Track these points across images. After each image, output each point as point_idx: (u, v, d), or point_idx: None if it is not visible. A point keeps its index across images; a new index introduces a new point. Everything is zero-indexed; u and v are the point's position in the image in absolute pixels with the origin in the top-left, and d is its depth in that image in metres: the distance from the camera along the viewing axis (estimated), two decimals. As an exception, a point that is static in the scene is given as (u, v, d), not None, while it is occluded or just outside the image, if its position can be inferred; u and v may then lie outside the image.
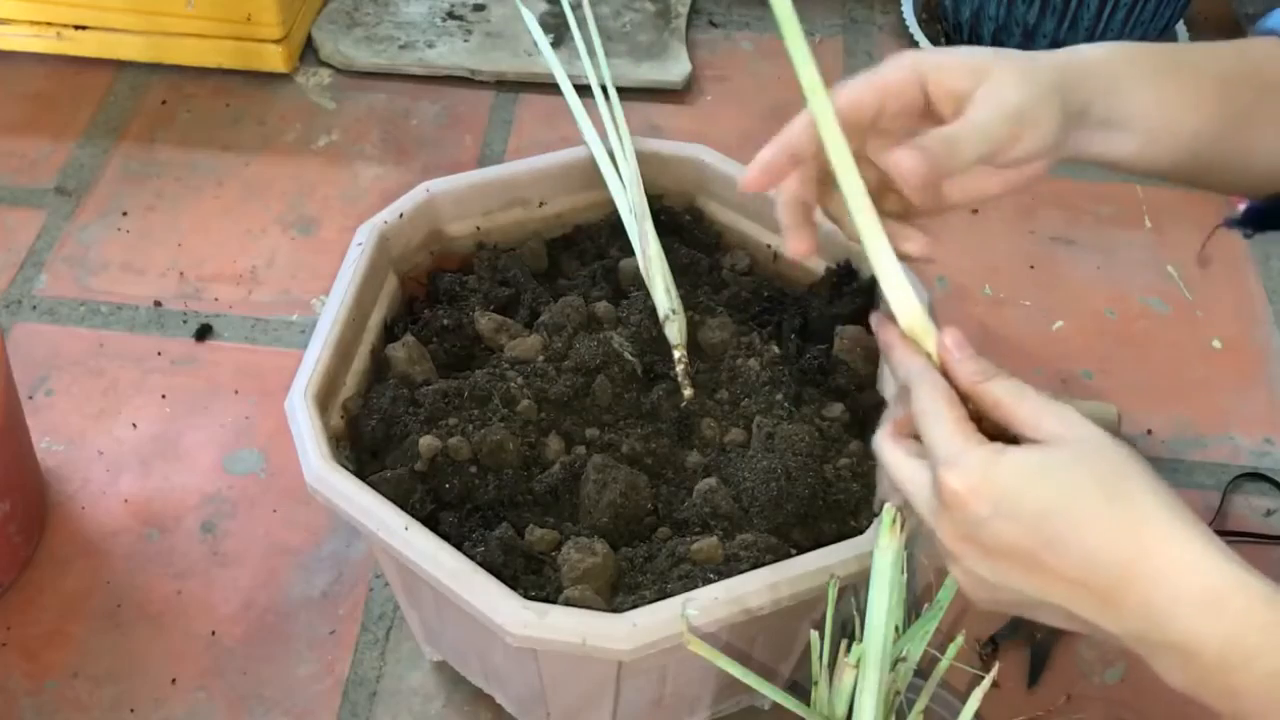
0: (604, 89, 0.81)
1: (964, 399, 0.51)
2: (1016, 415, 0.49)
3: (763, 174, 0.55)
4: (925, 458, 0.50)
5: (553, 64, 0.84)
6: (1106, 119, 0.57)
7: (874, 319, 0.55)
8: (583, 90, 0.82)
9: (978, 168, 0.55)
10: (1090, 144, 0.58)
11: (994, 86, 0.53)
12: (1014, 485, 0.46)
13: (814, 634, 0.59)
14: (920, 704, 0.62)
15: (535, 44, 1.21)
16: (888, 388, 0.73)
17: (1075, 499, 0.46)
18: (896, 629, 0.58)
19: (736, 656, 0.67)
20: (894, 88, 0.54)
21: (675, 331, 0.72)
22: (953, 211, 0.59)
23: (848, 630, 0.64)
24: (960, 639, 0.61)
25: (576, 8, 0.86)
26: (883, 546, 0.54)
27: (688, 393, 0.70)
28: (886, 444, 0.53)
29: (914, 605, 0.64)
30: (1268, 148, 0.60)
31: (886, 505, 0.55)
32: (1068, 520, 0.45)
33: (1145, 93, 0.57)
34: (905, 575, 0.57)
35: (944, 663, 0.62)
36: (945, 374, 0.51)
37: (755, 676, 0.59)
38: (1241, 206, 0.65)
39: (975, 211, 1.12)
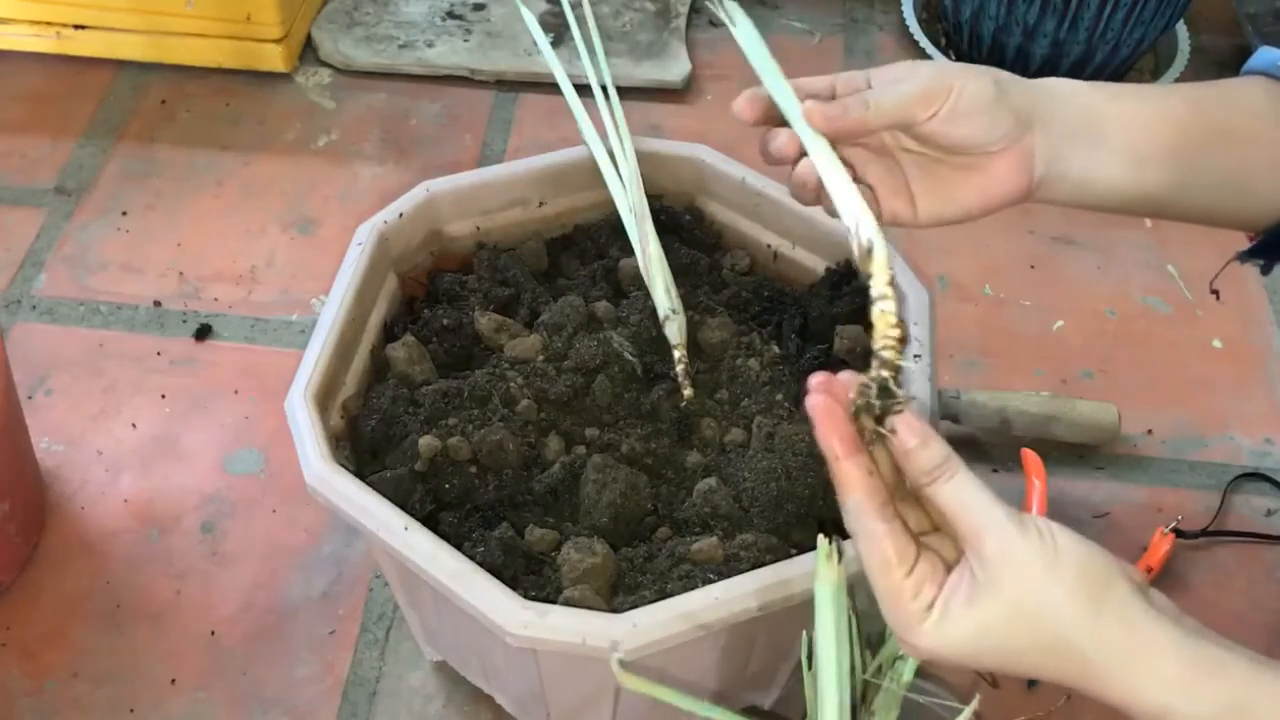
0: (604, 89, 0.80)
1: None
2: (959, 527, 0.49)
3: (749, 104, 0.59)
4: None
5: (553, 63, 0.83)
6: (1079, 131, 0.58)
7: (812, 404, 0.51)
8: (583, 90, 0.82)
9: (946, 178, 0.58)
10: (1067, 159, 0.58)
11: (920, 67, 0.57)
12: (963, 657, 0.49)
13: (804, 636, 0.59)
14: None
15: (535, 43, 1.21)
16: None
17: (1021, 655, 0.48)
18: (857, 647, 0.60)
19: (735, 658, 0.67)
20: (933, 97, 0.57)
21: (675, 331, 0.72)
22: (941, 226, 0.61)
23: (862, 632, 0.64)
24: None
25: (576, 7, 0.85)
26: (822, 577, 0.55)
27: (688, 393, 0.70)
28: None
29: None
30: (1252, 180, 0.61)
31: (821, 537, 0.55)
32: (1023, 668, 0.49)
33: (1127, 109, 0.58)
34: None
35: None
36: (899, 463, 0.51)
37: (697, 701, 0.59)
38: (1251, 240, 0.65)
39: (975, 211, 1.12)
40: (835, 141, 0.56)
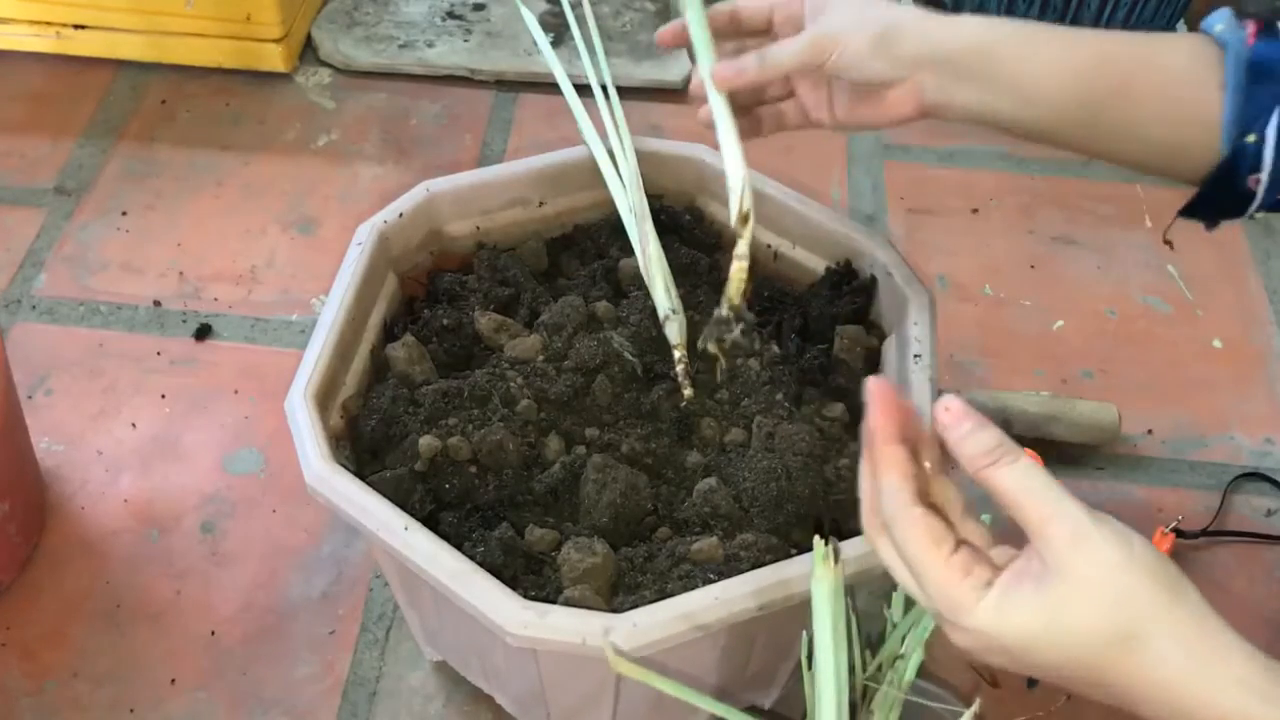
0: (604, 89, 0.80)
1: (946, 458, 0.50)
2: (1024, 513, 0.47)
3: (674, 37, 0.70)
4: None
5: (553, 63, 0.83)
6: (969, 71, 0.62)
7: (871, 386, 0.52)
8: (583, 90, 0.82)
9: (851, 95, 0.66)
10: (953, 95, 0.62)
11: (821, 17, 0.64)
12: (1021, 645, 0.46)
13: (804, 636, 0.59)
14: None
15: (535, 43, 1.21)
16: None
17: (1085, 651, 0.45)
18: (857, 647, 0.60)
19: (735, 657, 0.67)
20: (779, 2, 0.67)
21: (675, 331, 0.72)
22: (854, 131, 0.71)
23: (862, 632, 0.64)
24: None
25: (576, 6, 0.85)
26: (819, 577, 0.55)
27: (688, 392, 0.70)
28: (877, 541, 0.51)
29: (910, 598, 0.64)
30: (1151, 133, 0.61)
31: (816, 539, 0.55)
32: (1079, 669, 0.46)
33: (1017, 52, 0.61)
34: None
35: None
36: (943, 448, 0.50)
37: (698, 694, 0.59)
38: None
39: (976, 211, 1.12)
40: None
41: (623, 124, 0.79)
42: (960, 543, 0.48)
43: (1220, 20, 0.60)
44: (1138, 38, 0.62)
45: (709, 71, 0.66)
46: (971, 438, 0.48)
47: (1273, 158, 0.58)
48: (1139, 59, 0.61)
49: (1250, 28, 0.59)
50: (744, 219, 0.65)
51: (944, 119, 0.65)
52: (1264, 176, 0.59)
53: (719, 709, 0.60)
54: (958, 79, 0.62)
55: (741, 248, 0.64)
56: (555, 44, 1.23)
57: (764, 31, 0.68)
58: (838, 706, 0.56)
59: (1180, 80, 0.60)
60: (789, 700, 0.78)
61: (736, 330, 0.64)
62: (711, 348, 0.65)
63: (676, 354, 0.71)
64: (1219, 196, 0.61)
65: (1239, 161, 0.59)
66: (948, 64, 0.62)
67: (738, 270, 0.64)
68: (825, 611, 0.55)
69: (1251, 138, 0.58)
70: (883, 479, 0.50)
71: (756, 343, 0.69)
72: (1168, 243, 0.64)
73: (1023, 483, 0.47)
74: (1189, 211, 0.64)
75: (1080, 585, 0.45)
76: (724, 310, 0.64)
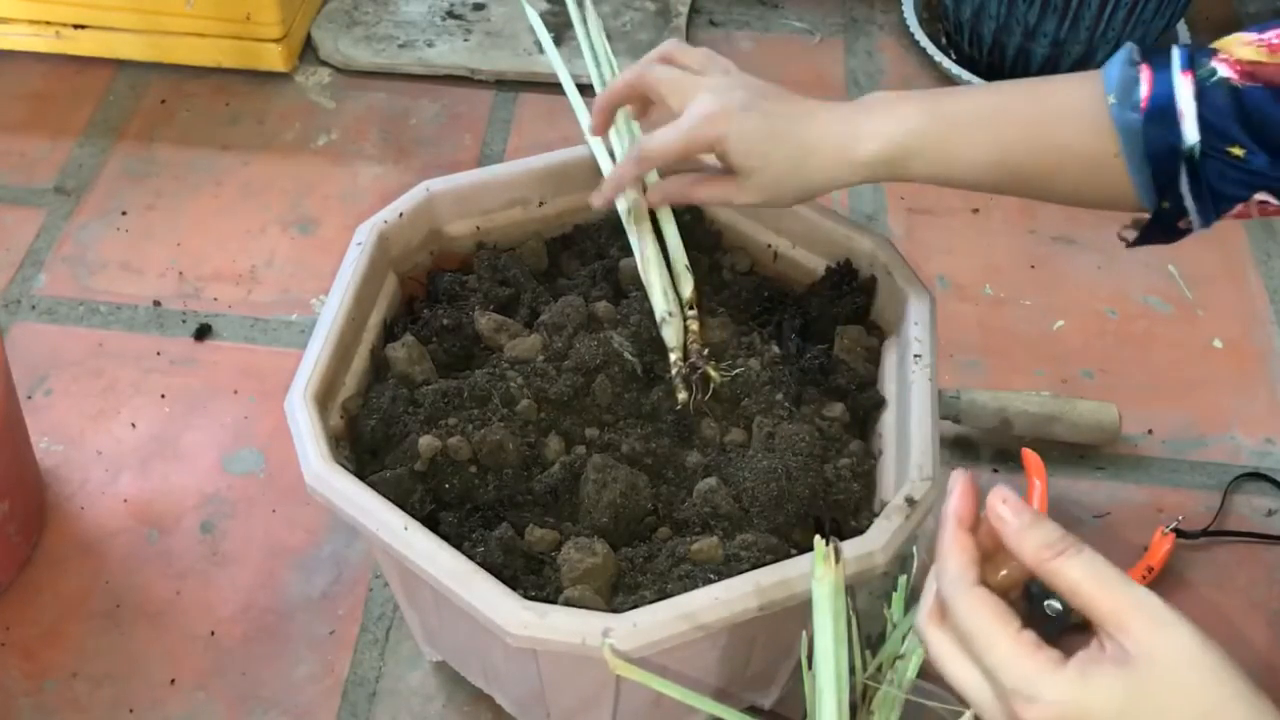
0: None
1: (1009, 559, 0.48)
2: (1097, 603, 0.45)
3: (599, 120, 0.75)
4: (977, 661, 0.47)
5: (556, 64, 0.83)
6: (895, 176, 0.65)
7: (956, 476, 0.50)
8: (583, 90, 0.82)
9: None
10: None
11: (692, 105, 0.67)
12: (1109, 708, 0.43)
13: (804, 636, 0.59)
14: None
15: (538, 44, 1.21)
16: (889, 388, 0.73)
17: None
18: (857, 647, 0.60)
19: (735, 657, 0.67)
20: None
21: (672, 334, 0.72)
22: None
23: (862, 632, 0.64)
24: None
25: (579, 5, 0.85)
26: (819, 577, 0.55)
27: (681, 396, 0.70)
28: (935, 636, 0.49)
29: (910, 598, 0.64)
30: (1076, 185, 0.64)
31: (817, 538, 0.55)
32: None
33: (934, 157, 0.64)
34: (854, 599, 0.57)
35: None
36: (999, 542, 0.48)
37: (697, 695, 0.59)
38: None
39: (976, 211, 1.12)
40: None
41: (623, 122, 0.79)
42: (1025, 626, 0.47)
43: (1115, 77, 0.60)
44: (1036, 121, 0.63)
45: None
46: (1034, 529, 0.47)
47: (1195, 209, 0.60)
48: (1044, 149, 0.63)
49: (1144, 80, 0.59)
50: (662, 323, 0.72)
51: None
52: (1192, 220, 0.61)
53: (717, 710, 0.60)
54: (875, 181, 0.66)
55: (674, 345, 0.72)
56: (556, 44, 1.23)
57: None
58: (838, 706, 0.55)
59: (1088, 162, 0.62)
60: (789, 700, 0.78)
61: (703, 367, 0.70)
62: (682, 391, 0.70)
63: (672, 356, 0.71)
64: (1158, 233, 0.64)
65: (1164, 216, 0.62)
66: (864, 178, 0.66)
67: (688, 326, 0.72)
68: (826, 611, 0.55)
69: (1167, 204, 0.60)
70: (947, 561, 0.48)
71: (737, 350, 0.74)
72: (1122, 239, 0.65)
73: (1093, 572, 0.45)
74: (1137, 240, 0.65)
75: (1166, 666, 0.43)
76: (681, 368, 0.71)
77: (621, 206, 0.77)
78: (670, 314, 0.72)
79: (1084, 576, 0.45)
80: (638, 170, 0.72)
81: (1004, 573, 0.49)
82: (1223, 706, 0.43)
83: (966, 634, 0.46)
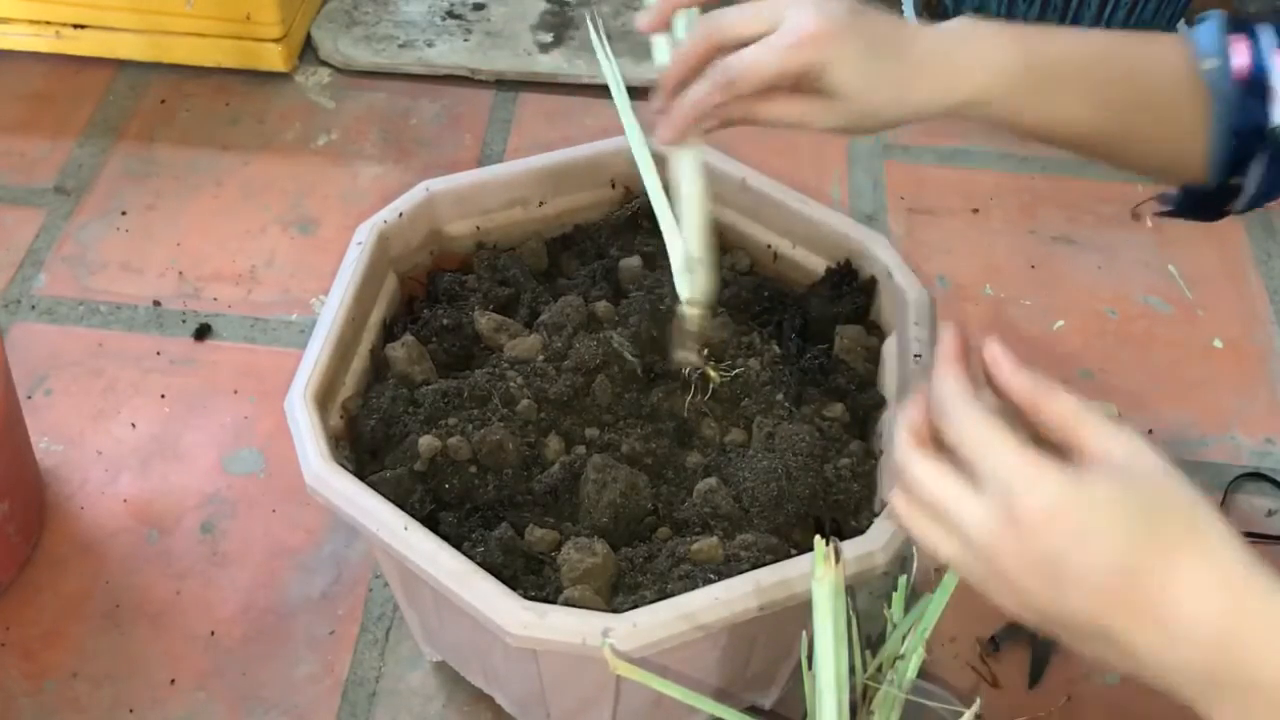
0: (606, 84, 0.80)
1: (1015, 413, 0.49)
2: (1080, 438, 0.47)
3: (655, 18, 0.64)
4: (965, 477, 0.47)
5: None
6: (986, 116, 0.60)
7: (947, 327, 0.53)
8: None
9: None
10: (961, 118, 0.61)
11: (788, 33, 0.58)
12: (1098, 513, 0.44)
13: (804, 636, 0.59)
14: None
15: (539, 44, 1.21)
16: (888, 387, 0.73)
17: (1158, 529, 0.44)
18: (858, 647, 0.60)
19: (735, 657, 0.67)
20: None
21: (694, 285, 0.68)
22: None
23: (862, 632, 0.64)
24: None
25: (581, 4, 0.85)
26: (819, 577, 0.54)
27: (692, 358, 0.70)
28: (919, 461, 0.49)
29: (910, 598, 0.64)
30: (1151, 148, 0.62)
31: (817, 538, 0.55)
32: (1149, 550, 0.44)
33: (1029, 103, 0.60)
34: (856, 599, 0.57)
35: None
36: (991, 387, 0.50)
37: (697, 696, 0.59)
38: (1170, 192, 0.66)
39: (976, 211, 1.12)
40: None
41: (627, 114, 0.78)
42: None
43: (1209, 44, 0.59)
44: (1134, 77, 0.61)
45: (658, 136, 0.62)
46: (1021, 375, 0.49)
47: (1253, 192, 0.60)
48: (1139, 107, 0.61)
49: (1241, 51, 0.58)
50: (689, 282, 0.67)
51: None
52: (1241, 202, 0.61)
53: (717, 710, 0.60)
54: (960, 118, 0.62)
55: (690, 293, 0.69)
56: (555, 43, 1.23)
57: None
58: (838, 706, 0.55)
59: (1174, 126, 0.60)
60: (789, 700, 0.78)
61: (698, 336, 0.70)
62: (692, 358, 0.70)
63: (692, 313, 0.69)
64: (1202, 210, 0.63)
65: (1222, 193, 0.61)
66: (953, 113, 0.61)
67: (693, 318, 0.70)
68: (826, 611, 0.55)
69: (1234, 180, 0.60)
70: (947, 381, 0.49)
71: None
72: (1135, 216, 0.65)
73: (1076, 412, 0.47)
74: (1171, 210, 0.65)
75: (1145, 475, 0.45)
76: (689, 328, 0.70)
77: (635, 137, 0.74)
78: (699, 262, 0.68)
79: (1067, 414, 0.47)
80: (722, 97, 0.60)
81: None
82: (1199, 520, 0.44)
83: (965, 441, 0.47)
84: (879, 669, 0.64)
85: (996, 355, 0.49)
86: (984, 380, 0.50)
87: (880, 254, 0.76)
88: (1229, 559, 0.44)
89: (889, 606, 0.67)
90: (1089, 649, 0.47)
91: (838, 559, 0.55)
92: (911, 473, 0.49)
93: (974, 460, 0.47)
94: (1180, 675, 0.44)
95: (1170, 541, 0.44)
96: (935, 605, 0.64)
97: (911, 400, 0.52)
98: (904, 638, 0.64)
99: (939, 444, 0.49)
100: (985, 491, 0.46)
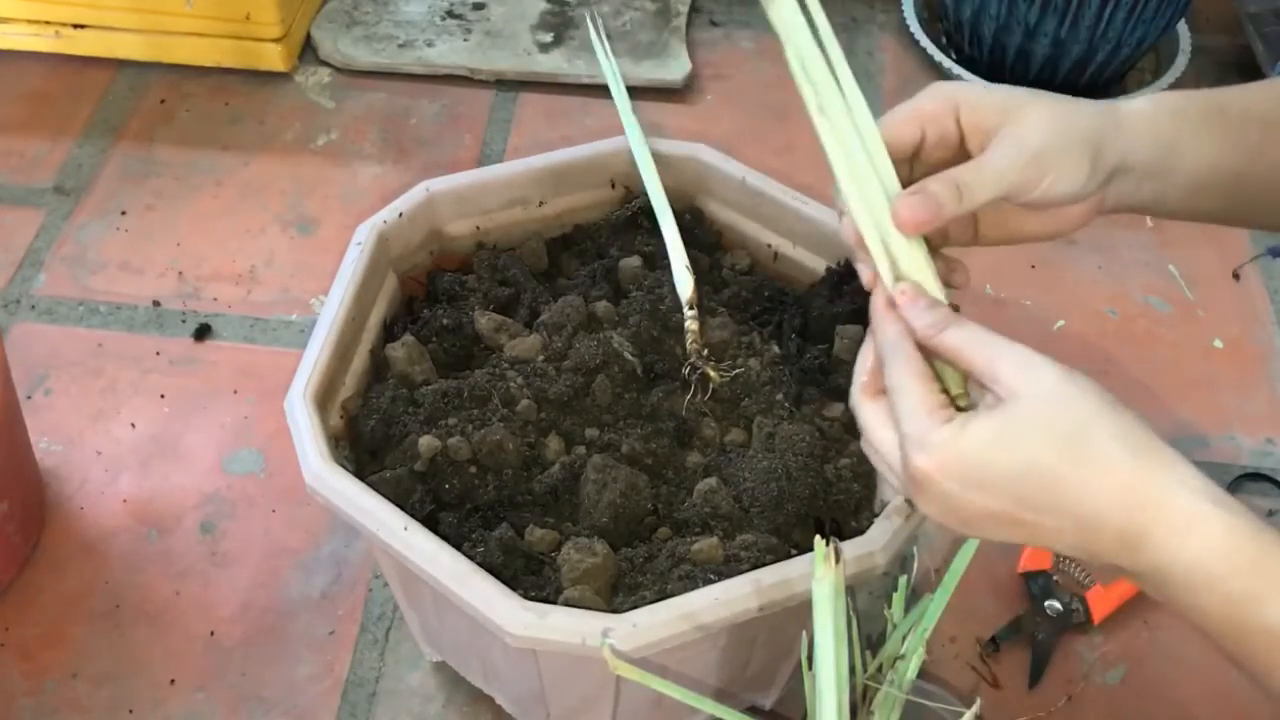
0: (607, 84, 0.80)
1: (925, 351, 0.52)
2: (974, 365, 0.50)
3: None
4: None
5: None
6: (1152, 173, 0.58)
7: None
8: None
9: (1012, 211, 0.57)
10: (1135, 196, 0.58)
11: (1019, 127, 0.54)
12: (975, 458, 0.48)
13: (804, 636, 0.59)
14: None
15: (539, 45, 1.21)
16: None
17: (1037, 457, 0.47)
18: (858, 647, 0.60)
19: (735, 658, 0.67)
20: (931, 117, 0.55)
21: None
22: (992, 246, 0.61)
23: (862, 632, 0.64)
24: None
25: (581, 4, 0.85)
26: (819, 577, 0.55)
27: (693, 327, 0.72)
28: (863, 406, 0.54)
29: (910, 598, 0.64)
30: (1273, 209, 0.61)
31: (818, 538, 0.56)
32: (1033, 479, 0.47)
33: (1194, 146, 0.58)
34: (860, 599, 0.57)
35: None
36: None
37: (697, 696, 0.59)
38: None
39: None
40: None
41: (627, 114, 0.79)
42: (944, 394, 0.52)
43: None
44: (1270, 93, 0.59)
45: (894, 215, 0.53)
46: (923, 313, 0.52)
47: None
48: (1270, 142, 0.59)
49: None
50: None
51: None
52: None
53: (717, 710, 0.60)
54: (1142, 181, 0.58)
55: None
56: (555, 43, 1.23)
57: (910, 158, 0.57)
58: (838, 706, 0.55)
59: None
60: (789, 700, 0.78)
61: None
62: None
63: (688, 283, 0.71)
64: None
65: None
66: (1138, 169, 0.57)
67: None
68: (826, 611, 0.55)
69: None
70: (885, 329, 0.53)
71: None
72: (1235, 275, 0.64)
73: (969, 335, 0.51)
74: None
75: (1029, 401, 0.48)
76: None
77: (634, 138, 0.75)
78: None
79: (963, 342, 0.51)
80: (957, 208, 0.54)
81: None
82: (1085, 427, 0.47)
83: (891, 389, 0.51)
84: (879, 669, 0.64)
85: (898, 295, 0.53)
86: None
87: (880, 254, 0.75)
88: (1123, 462, 0.47)
89: (889, 607, 0.67)
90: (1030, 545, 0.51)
91: (838, 559, 0.55)
92: (859, 418, 0.54)
93: (893, 408, 0.51)
94: (1104, 565, 0.49)
95: (1056, 460, 0.47)
96: (935, 605, 0.64)
97: (864, 346, 0.55)
98: (904, 638, 0.64)
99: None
100: (901, 441, 0.51)
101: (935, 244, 0.57)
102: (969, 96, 0.55)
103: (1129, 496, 0.47)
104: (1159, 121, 0.57)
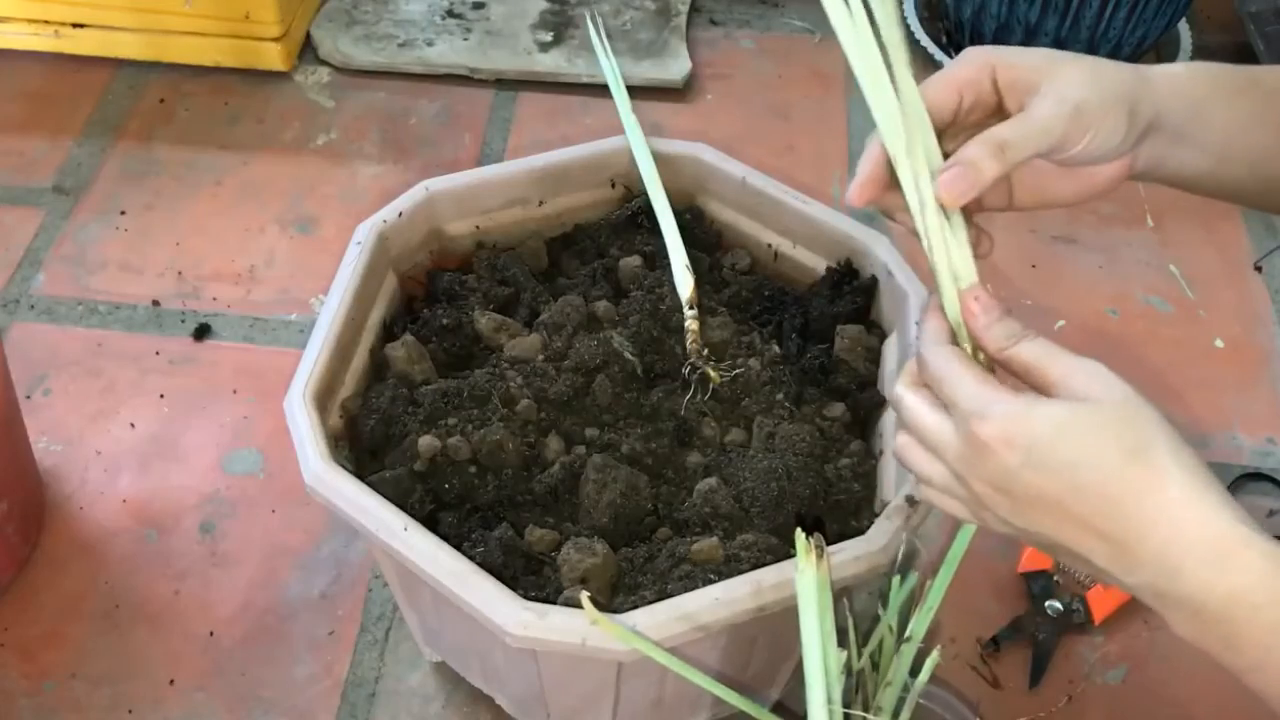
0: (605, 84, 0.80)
1: (993, 364, 0.53)
2: (1049, 377, 0.50)
3: (863, 191, 0.56)
4: (947, 410, 0.51)
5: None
6: (1182, 135, 0.58)
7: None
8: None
9: (1046, 173, 0.58)
10: (1165, 161, 0.58)
11: (1058, 83, 0.54)
12: (1044, 435, 0.48)
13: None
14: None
15: (539, 44, 1.21)
16: (888, 388, 0.73)
17: (1102, 453, 0.47)
18: (856, 647, 0.60)
19: (735, 658, 0.67)
20: (968, 82, 0.55)
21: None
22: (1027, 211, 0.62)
23: (860, 631, 0.64)
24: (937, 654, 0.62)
25: (581, 3, 0.85)
26: (802, 569, 0.55)
27: (693, 326, 0.71)
28: (908, 394, 0.54)
29: (916, 590, 0.64)
30: None
31: (799, 531, 0.56)
32: (1094, 473, 0.47)
33: (1224, 111, 0.58)
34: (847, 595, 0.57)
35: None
36: (972, 337, 0.53)
37: (713, 682, 0.59)
38: None
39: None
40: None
41: (627, 113, 0.78)
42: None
43: None
44: None
45: (937, 192, 0.53)
46: (1000, 323, 0.52)
47: None
48: None
49: None
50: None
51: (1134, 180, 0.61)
52: None
53: (727, 695, 0.60)
54: (1173, 144, 0.58)
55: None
56: (555, 42, 1.23)
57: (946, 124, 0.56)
58: (826, 701, 0.55)
59: None
60: (790, 700, 0.77)
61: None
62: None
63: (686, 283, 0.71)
64: None
65: None
66: (1169, 129, 0.57)
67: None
68: (811, 603, 0.54)
69: None
70: (928, 326, 0.54)
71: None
72: (1258, 268, 0.64)
73: (1045, 350, 0.51)
74: None
75: (1103, 405, 0.48)
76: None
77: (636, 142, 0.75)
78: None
79: (1039, 355, 0.51)
80: (1001, 169, 0.53)
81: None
82: (1148, 440, 0.47)
83: (938, 379, 0.52)
84: (876, 668, 0.64)
85: (972, 307, 0.53)
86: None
87: (881, 253, 0.75)
88: (1179, 480, 0.47)
89: (883, 608, 0.67)
90: (1062, 559, 0.51)
91: (820, 553, 0.55)
92: (902, 405, 0.54)
93: (943, 394, 0.51)
94: (1133, 588, 0.48)
95: (1119, 462, 0.47)
96: (937, 588, 0.64)
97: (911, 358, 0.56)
98: (900, 638, 0.64)
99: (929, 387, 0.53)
100: (954, 419, 0.51)
101: (970, 209, 0.57)
102: (1005, 57, 0.56)
103: (1179, 521, 0.46)
104: (1193, 84, 0.58)
